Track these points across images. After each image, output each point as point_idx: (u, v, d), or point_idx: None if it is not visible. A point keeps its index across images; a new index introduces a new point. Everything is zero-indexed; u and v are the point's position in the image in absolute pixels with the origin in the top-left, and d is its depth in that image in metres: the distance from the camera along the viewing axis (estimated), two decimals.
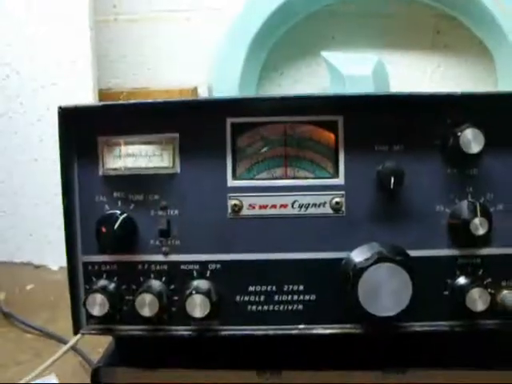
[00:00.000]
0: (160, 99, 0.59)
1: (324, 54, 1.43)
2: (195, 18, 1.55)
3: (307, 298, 0.65)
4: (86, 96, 1.40)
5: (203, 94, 1.59)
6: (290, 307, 0.65)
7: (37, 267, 1.52)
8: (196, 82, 1.60)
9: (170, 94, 1.54)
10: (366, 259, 0.61)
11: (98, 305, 0.61)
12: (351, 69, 1.39)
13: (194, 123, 0.62)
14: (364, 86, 1.39)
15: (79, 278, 0.65)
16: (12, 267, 1.52)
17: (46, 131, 1.44)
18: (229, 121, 0.62)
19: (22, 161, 1.47)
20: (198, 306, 0.60)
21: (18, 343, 1.16)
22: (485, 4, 1.36)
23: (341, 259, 0.64)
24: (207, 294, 0.61)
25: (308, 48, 1.55)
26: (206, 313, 0.60)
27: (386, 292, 0.60)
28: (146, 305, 0.61)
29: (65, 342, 1.12)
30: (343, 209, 0.63)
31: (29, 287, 1.40)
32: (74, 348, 1.05)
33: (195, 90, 1.57)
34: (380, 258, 0.60)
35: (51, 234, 1.50)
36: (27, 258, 1.52)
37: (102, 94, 1.47)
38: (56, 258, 1.50)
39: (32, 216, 1.50)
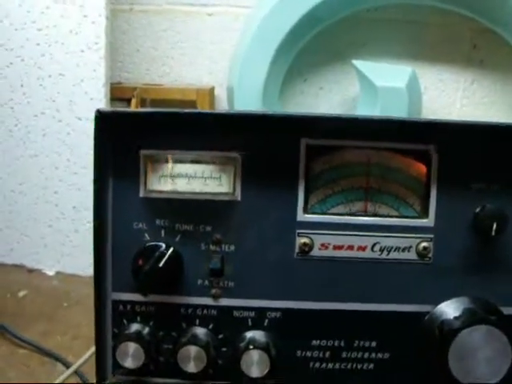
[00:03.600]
0: (223, 110, 0.47)
1: (355, 62, 1.34)
2: (218, 14, 1.45)
3: (380, 356, 0.54)
4: (96, 90, 1.30)
5: (220, 94, 1.49)
6: (359, 366, 0.54)
7: (30, 271, 1.42)
8: (213, 81, 1.49)
9: (185, 92, 1.43)
10: (456, 318, 0.51)
11: (130, 356, 0.50)
12: (385, 80, 1.30)
13: (260, 142, 0.51)
14: (398, 99, 1.30)
15: (107, 318, 0.54)
16: (3, 269, 1.42)
17: (49, 125, 1.34)
18: (303, 142, 0.51)
19: (21, 156, 1.36)
20: (255, 364, 0.50)
21: (8, 359, 1.05)
22: None
23: (423, 314, 0.53)
24: (266, 348, 0.50)
25: (334, 55, 1.45)
26: (265, 372, 0.49)
27: (481, 359, 0.50)
28: (191, 359, 0.50)
29: (62, 361, 1.02)
30: (430, 255, 0.53)
31: (21, 294, 1.29)
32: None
33: (212, 90, 1.46)
34: (474, 318, 0.50)
35: (48, 236, 1.40)
36: (20, 261, 1.42)
37: (113, 89, 1.36)
38: (52, 263, 1.40)
39: (29, 216, 1.39)
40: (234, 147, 0.51)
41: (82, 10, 1.27)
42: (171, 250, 0.50)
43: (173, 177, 0.50)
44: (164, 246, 0.51)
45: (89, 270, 1.34)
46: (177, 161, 0.51)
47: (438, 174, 0.52)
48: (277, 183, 0.52)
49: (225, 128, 0.51)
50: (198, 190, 0.51)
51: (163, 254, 0.50)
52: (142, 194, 0.52)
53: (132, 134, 0.51)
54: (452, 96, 1.49)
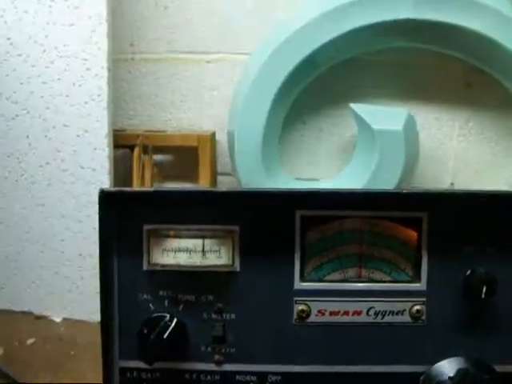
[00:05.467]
0: (221, 188, 0.50)
1: (353, 105, 1.36)
2: (217, 61, 1.48)
3: None
4: (99, 140, 1.33)
5: (222, 139, 1.52)
6: None
7: (38, 318, 1.43)
8: (214, 126, 1.52)
9: (187, 139, 1.46)
10: (451, 378, 0.53)
11: None
12: (382, 123, 1.32)
13: (257, 215, 0.54)
14: (395, 141, 1.32)
15: None
16: (11, 316, 1.43)
17: (54, 175, 1.36)
18: (298, 213, 0.54)
19: (28, 205, 1.39)
20: None
21: None
22: None
23: (419, 374, 0.55)
24: None
25: (333, 98, 1.48)
26: None
27: None
28: None
29: None
30: (424, 317, 0.55)
31: (29, 341, 1.30)
32: None
33: (213, 135, 1.50)
34: (468, 379, 0.52)
35: (55, 283, 1.42)
36: (28, 307, 1.43)
37: (116, 136, 1.39)
38: (59, 309, 1.42)
39: (36, 263, 1.42)
40: (232, 221, 0.54)
41: (84, 63, 1.30)
42: (175, 321, 0.53)
43: (175, 251, 0.53)
44: (168, 316, 0.53)
45: (94, 316, 1.36)
46: (178, 236, 0.53)
47: (429, 239, 0.55)
48: (274, 253, 0.54)
49: (223, 204, 0.54)
50: (198, 263, 0.53)
51: (167, 326, 0.52)
52: (145, 267, 0.55)
53: (135, 210, 0.54)
54: (449, 134, 1.51)
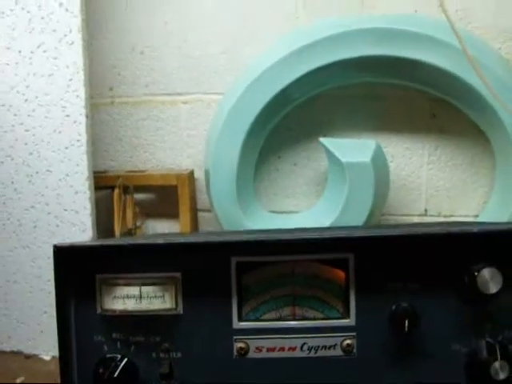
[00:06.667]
0: (161, 240, 0.56)
1: (322, 140, 1.42)
2: (192, 102, 1.55)
3: None
4: (80, 183, 1.39)
5: (200, 177, 1.57)
6: None
7: (27, 357, 1.47)
8: (192, 164, 1.59)
9: (166, 178, 1.52)
10: None
11: None
12: (350, 156, 1.38)
13: (196, 262, 0.60)
14: (364, 173, 1.37)
15: None
16: (1, 356, 1.47)
17: (40, 217, 1.42)
18: (234, 260, 0.60)
19: (14, 247, 1.44)
20: None
21: None
22: (478, 91, 1.36)
23: None
24: None
25: (306, 132, 1.54)
26: None
27: None
28: None
29: None
30: (354, 351, 0.60)
31: (19, 380, 1.34)
32: None
33: (192, 173, 1.55)
34: None
35: (44, 322, 1.46)
36: (18, 347, 1.48)
37: (97, 178, 1.45)
38: (48, 348, 1.46)
39: (24, 304, 1.46)
40: (174, 269, 0.59)
41: (64, 111, 1.37)
42: (125, 360, 0.58)
43: (123, 298, 0.58)
44: (119, 357, 0.59)
45: None
46: (126, 284, 0.59)
47: (356, 278, 0.60)
48: (213, 297, 0.60)
49: (165, 254, 0.59)
50: (145, 308, 0.59)
51: (117, 366, 0.57)
52: (98, 312, 0.60)
53: (87, 262, 0.60)
54: (419, 162, 1.57)
